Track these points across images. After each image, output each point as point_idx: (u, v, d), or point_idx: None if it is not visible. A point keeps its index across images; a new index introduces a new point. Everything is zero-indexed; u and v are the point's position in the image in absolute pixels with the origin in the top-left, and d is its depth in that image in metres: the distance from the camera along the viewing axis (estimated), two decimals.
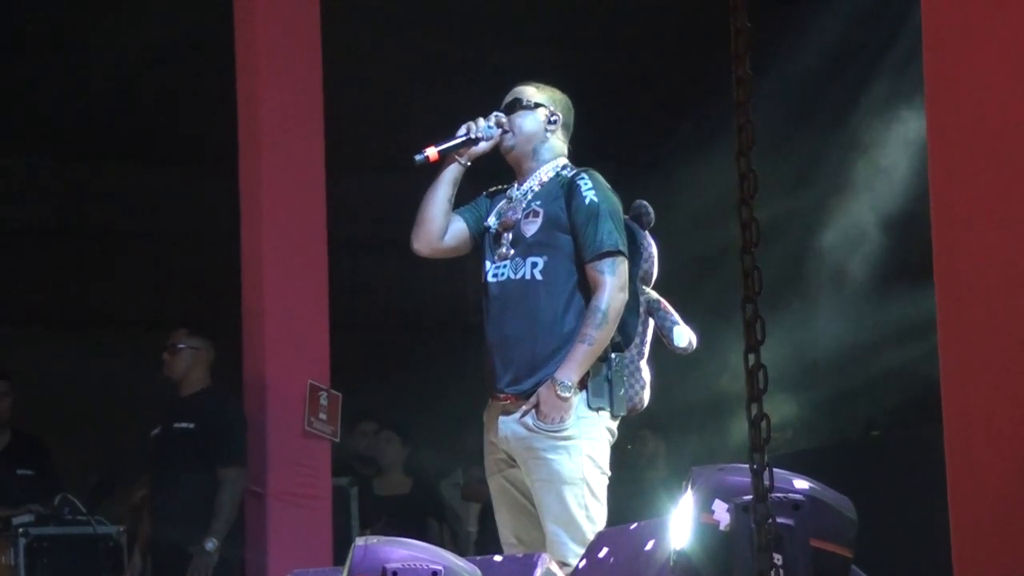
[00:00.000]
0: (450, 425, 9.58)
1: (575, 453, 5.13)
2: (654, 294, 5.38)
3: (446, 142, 5.35)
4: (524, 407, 5.17)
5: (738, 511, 3.37)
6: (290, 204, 7.67)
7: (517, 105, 5.38)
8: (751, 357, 2.80)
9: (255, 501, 7.53)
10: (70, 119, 10.66)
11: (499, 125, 5.37)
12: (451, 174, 5.38)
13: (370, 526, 8.33)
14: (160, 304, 11.00)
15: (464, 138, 5.36)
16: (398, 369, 11.02)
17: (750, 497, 3.07)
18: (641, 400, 5.28)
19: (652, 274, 5.38)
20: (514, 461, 5.23)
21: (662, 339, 5.34)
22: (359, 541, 4.13)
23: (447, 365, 10.44)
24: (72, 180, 11.21)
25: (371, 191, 10.91)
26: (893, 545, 6.11)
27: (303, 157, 7.68)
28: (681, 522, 3.55)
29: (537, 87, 5.43)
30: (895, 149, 9.18)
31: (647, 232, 5.37)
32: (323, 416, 7.56)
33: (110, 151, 11.08)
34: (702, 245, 9.16)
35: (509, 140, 5.37)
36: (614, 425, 5.23)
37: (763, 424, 2.83)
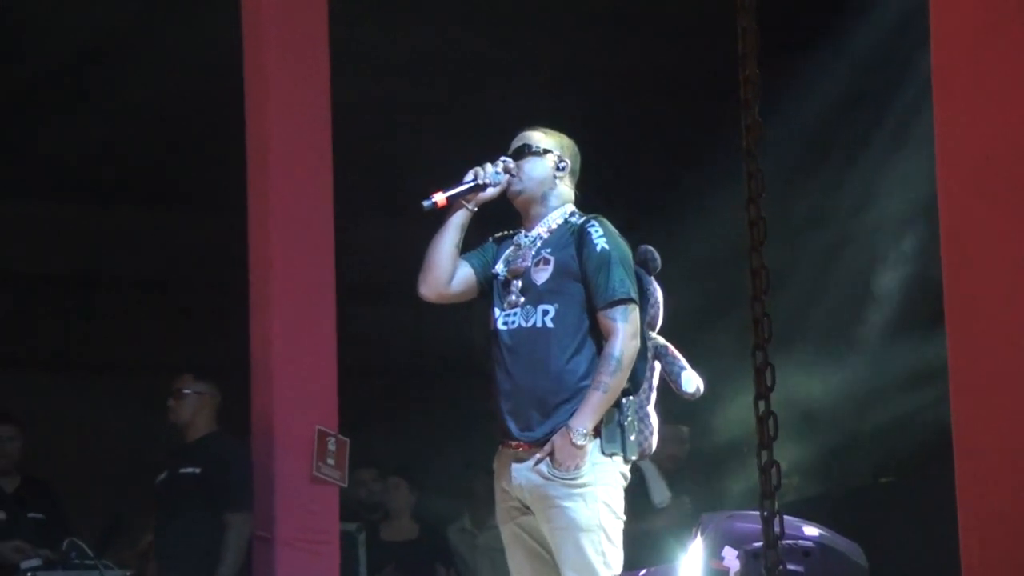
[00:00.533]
0: (457, 470, 9.57)
1: (591, 500, 5.13)
2: (661, 339, 5.39)
3: (454, 188, 5.36)
4: (538, 455, 5.17)
5: (748, 558, 3.37)
6: (298, 249, 7.68)
7: (526, 151, 5.39)
8: (761, 404, 2.80)
9: (263, 546, 7.51)
10: (79, 166, 10.69)
11: (507, 171, 5.38)
12: (458, 220, 5.39)
13: (378, 572, 8.32)
14: (169, 349, 10.99)
15: (472, 184, 5.37)
16: (405, 414, 11.01)
17: (760, 544, 3.07)
18: (650, 445, 5.29)
19: (658, 319, 5.39)
20: (528, 508, 5.22)
21: (670, 384, 5.34)
22: None
23: (454, 410, 10.43)
24: (80, 226, 11.24)
25: (378, 236, 10.93)
26: None
27: (312, 202, 7.69)
28: (691, 568, 3.55)
29: (544, 132, 5.45)
30: (903, 194, 9.19)
31: (653, 278, 5.39)
32: (331, 461, 7.55)
33: (119, 198, 11.11)
34: (709, 291, 9.16)
35: (517, 186, 5.38)
36: (627, 470, 5.23)
37: (773, 471, 2.83)
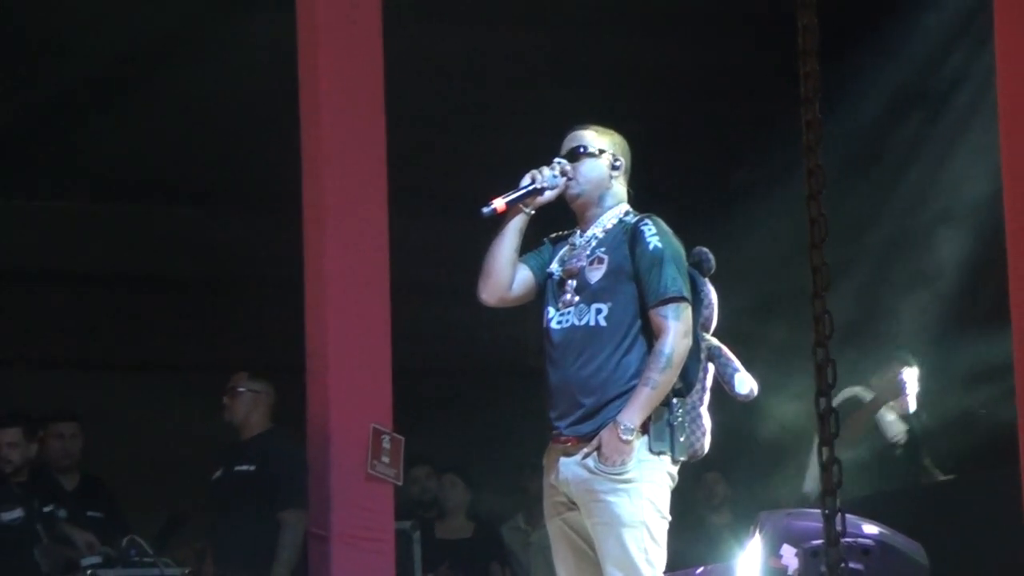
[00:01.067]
0: (512, 469, 9.58)
1: (635, 496, 5.13)
2: (715, 341, 5.38)
3: (512, 193, 5.34)
4: (585, 449, 5.17)
5: (806, 556, 3.36)
6: (353, 248, 7.70)
7: (581, 152, 5.39)
8: (822, 401, 2.80)
9: (318, 544, 7.54)
10: (135, 166, 10.75)
11: (563, 173, 5.37)
12: (516, 224, 5.38)
13: (432, 570, 8.34)
14: (225, 348, 11.05)
15: (530, 188, 5.37)
16: (460, 413, 11.03)
17: (819, 542, 3.07)
18: (702, 446, 5.28)
19: (712, 321, 5.38)
20: (574, 504, 5.23)
21: (723, 386, 5.34)
22: None
23: (508, 409, 10.43)
24: (137, 226, 11.30)
25: (433, 235, 10.95)
26: None
27: (366, 201, 7.71)
28: (748, 567, 3.54)
29: (596, 131, 5.43)
30: (961, 193, 9.15)
31: (707, 280, 5.38)
32: (386, 459, 7.57)
33: (175, 197, 11.16)
34: (765, 290, 9.14)
35: (574, 188, 5.38)
36: (675, 470, 5.23)
37: (835, 468, 2.83)
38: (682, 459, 5.21)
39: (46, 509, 7.99)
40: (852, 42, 9.31)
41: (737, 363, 5.34)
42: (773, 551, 3.44)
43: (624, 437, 5.09)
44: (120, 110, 10.40)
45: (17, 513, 7.89)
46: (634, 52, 10.45)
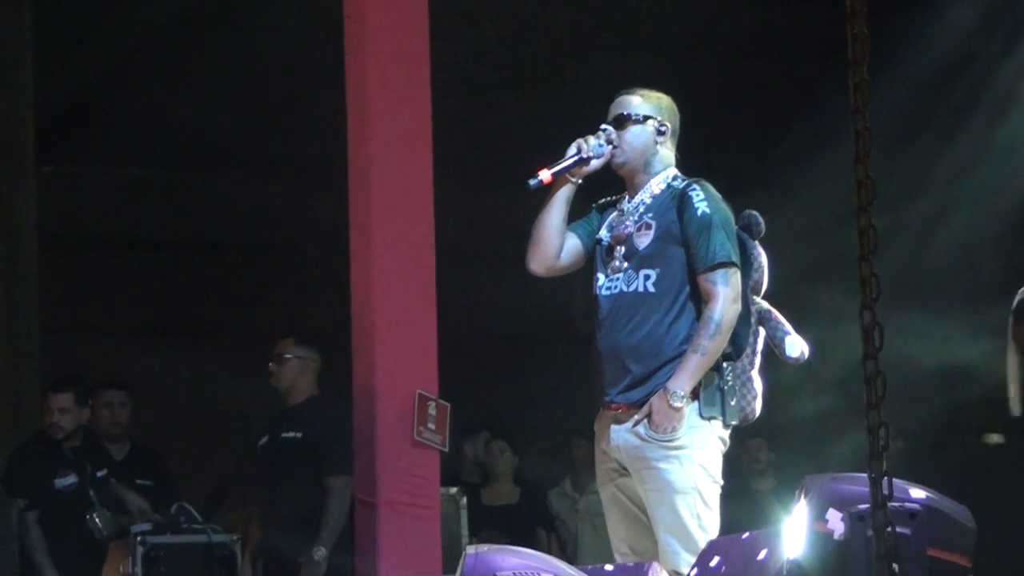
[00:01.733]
0: (558, 435, 9.59)
1: (687, 462, 5.13)
2: (765, 304, 5.37)
3: (558, 164, 5.34)
4: (636, 416, 5.18)
5: (853, 520, 3.35)
6: (399, 214, 7.70)
7: (626, 120, 5.36)
8: (869, 364, 2.79)
9: (365, 510, 7.56)
10: (179, 133, 10.79)
11: (609, 141, 5.36)
12: (564, 194, 5.38)
13: (477, 534, 8.34)
14: (272, 315, 11.08)
15: (576, 158, 5.35)
16: (506, 380, 11.04)
17: (865, 506, 3.06)
18: (753, 410, 5.27)
19: (763, 284, 5.37)
20: (626, 470, 5.24)
21: (774, 349, 5.32)
22: (470, 549, 4.15)
23: (554, 376, 10.45)
24: (183, 192, 11.35)
25: (480, 201, 10.95)
26: (1015, 554, 6.04)
27: (412, 167, 7.71)
28: (794, 531, 3.54)
29: (642, 96, 5.40)
30: (1009, 159, 9.10)
31: (757, 243, 5.36)
32: (432, 426, 7.58)
33: (220, 164, 11.20)
34: (813, 254, 9.10)
35: (620, 157, 5.36)
36: (726, 434, 5.23)
37: (881, 431, 2.82)
38: (733, 423, 5.22)
39: (99, 473, 8.04)
40: (902, 4, 9.24)
41: (787, 326, 5.33)
42: (819, 515, 3.43)
43: (674, 404, 5.09)
44: (170, 77, 10.43)
45: (71, 479, 7.94)
46: (679, 17, 10.41)
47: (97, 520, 7.84)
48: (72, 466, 7.96)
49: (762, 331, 5.34)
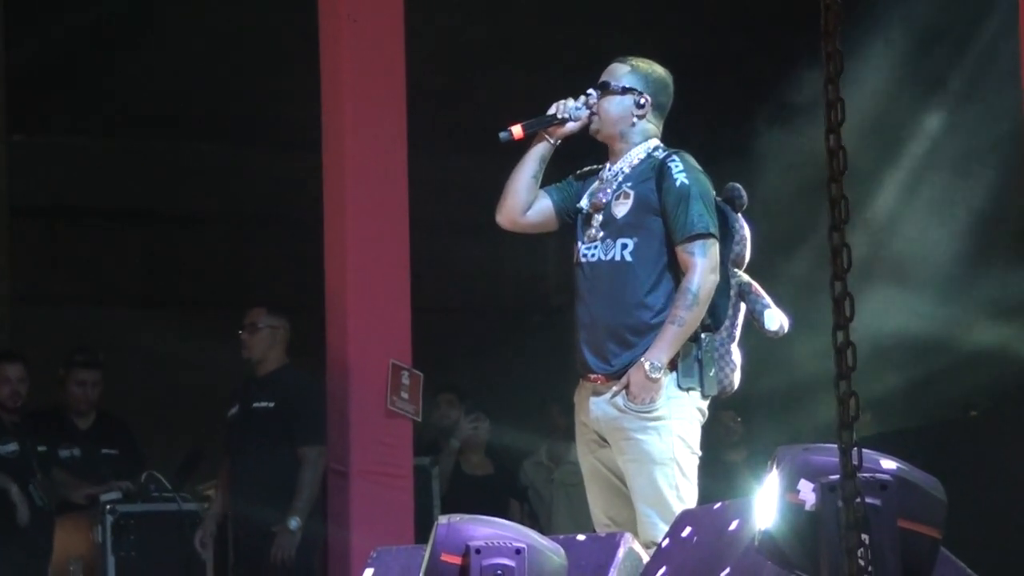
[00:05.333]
0: (532, 405, 9.59)
1: (665, 433, 5.13)
2: (745, 277, 5.36)
3: (532, 120, 5.34)
4: (615, 388, 5.17)
5: (824, 491, 3.34)
6: (373, 184, 7.69)
7: (606, 88, 5.35)
8: (840, 334, 2.79)
9: (338, 479, 7.56)
10: (151, 101, 10.74)
11: (588, 106, 5.34)
12: (539, 152, 5.38)
13: (455, 507, 8.32)
14: (244, 284, 11.06)
15: (550, 117, 5.35)
16: (479, 349, 11.04)
17: (837, 477, 3.05)
18: (731, 383, 5.28)
19: (744, 257, 5.36)
20: (606, 442, 5.24)
21: (753, 323, 5.32)
22: (442, 519, 4.15)
23: (528, 346, 10.44)
24: (155, 162, 11.30)
25: (454, 171, 10.93)
26: (987, 526, 6.05)
27: (386, 137, 7.69)
28: (766, 502, 3.53)
29: (632, 67, 5.36)
30: (983, 130, 9.10)
31: (740, 215, 5.35)
32: (404, 395, 7.58)
33: (194, 133, 11.15)
34: (786, 225, 9.11)
35: (595, 124, 5.35)
36: (704, 405, 5.23)
37: (851, 402, 2.82)
38: (712, 395, 5.22)
39: (40, 448, 8.04)
40: None
41: (767, 299, 5.32)
42: (791, 486, 3.42)
43: (652, 375, 5.09)
44: (141, 46, 10.38)
45: (12, 447, 7.92)
46: None
47: (30, 490, 7.82)
48: (12, 434, 7.95)
49: (742, 304, 5.33)
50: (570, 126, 5.35)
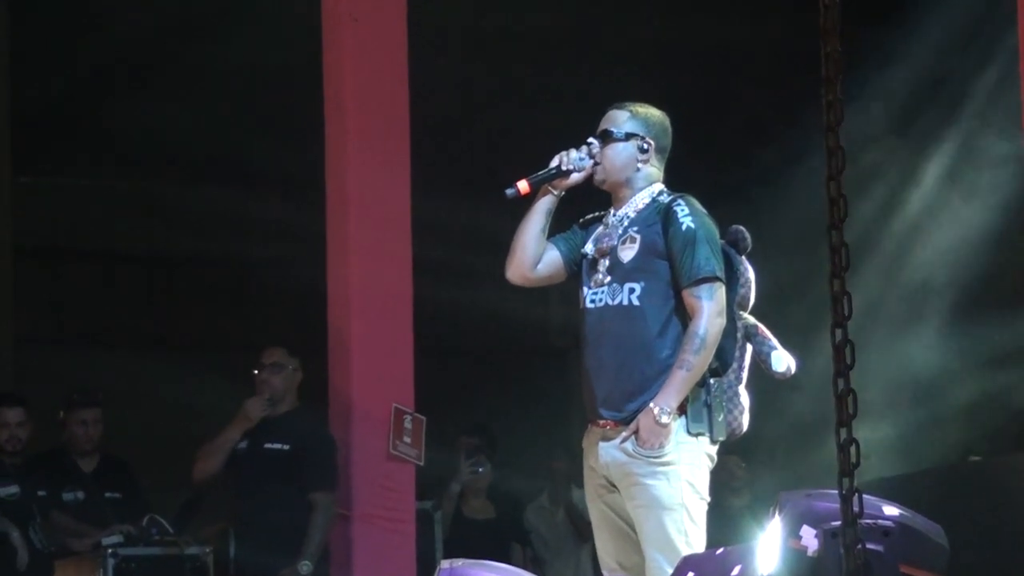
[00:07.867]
0: (535, 449, 9.57)
1: (674, 478, 5.13)
2: (751, 319, 5.35)
3: (537, 174, 5.34)
4: (624, 433, 5.16)
5: (827, 536, 3.34)
6: (377, 227, 7.70)
7: (608, 136, 5.35)
8: (840, 381, 2.79)
9: (341, 523, 7.55)
10: (156, 144, 10.77)
11: (591, 156, 5.34)
12: (544, 205, 5.37)
13: (455, 548, 8.29)
14: (247, 327, 11.06)
15: (554, 170, 5.35)
16: (482, 393, 11.02)
17: (839, 523, 3.05)
18: (740, 425, 5.27)
19: (749, 299, 5.35)
20: (614, 487, 5.23)
21: (760, 364, 5.31)
22: (444, 563, 4.14)
23: (532, 389, 10.42)
24: (159, 205, 11.32)
25: (457, 217, 10.95)
26: (989, 573, 6.04)
27: (389, 181, 7.71)
28: (768, 547, 3.53)
29: (631, 112, 5.36)
30: (987, 173, 9.11)
31: (744, 257, 5.36)
32: (407, 439, 7.57)
33: (198, 177, 11.18)
34: (788, 270, 9.12)
35: (600, 174, 5.34)
36: (713, 450, 5.22)
37: (852, 449, 2.82)
38: (721, 439, 5.21)
39: (40, 493, 8.04)
40: (877, 21, 9.27)
41: (774, 341, 5.31)
42: (793, 532, 3.42)
43: (661, 420, 5.08)
44: (147, 88, 10.42)
45: (13, 488, 7.91)
46: (661, 30, 10.42)
47: (31, 534, 7.81)
48: (13, 476, 7.95)
49: (748, 346, 5.33)
50: (574, 177, 5.34)
